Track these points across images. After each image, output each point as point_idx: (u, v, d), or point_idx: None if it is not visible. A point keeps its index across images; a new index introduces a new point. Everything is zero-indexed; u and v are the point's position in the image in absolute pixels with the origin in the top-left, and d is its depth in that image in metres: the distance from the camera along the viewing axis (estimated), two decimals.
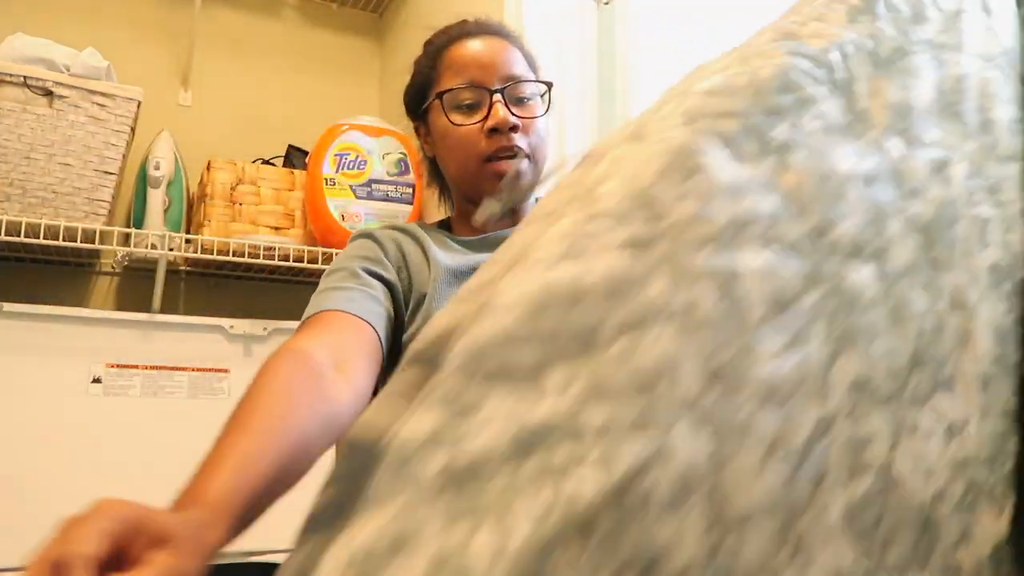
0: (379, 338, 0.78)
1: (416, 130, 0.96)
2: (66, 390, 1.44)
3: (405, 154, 1.75)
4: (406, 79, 0.98)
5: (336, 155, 1.69)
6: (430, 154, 0.95)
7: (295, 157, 1.85)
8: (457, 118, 0.86)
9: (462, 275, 0.85)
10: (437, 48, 0.91)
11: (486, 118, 0.85)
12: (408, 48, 2.03)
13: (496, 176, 0.85)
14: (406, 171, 1.75)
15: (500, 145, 0.84)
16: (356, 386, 0.71)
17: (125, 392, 1.49)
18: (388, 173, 1.72)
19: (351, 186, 1.68)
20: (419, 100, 0.93)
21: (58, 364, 1.45)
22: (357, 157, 1.70)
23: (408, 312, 0.85)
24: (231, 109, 1.97)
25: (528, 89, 0.88)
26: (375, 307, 0.80)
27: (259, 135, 1.96)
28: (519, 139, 0.85)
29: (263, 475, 0.57)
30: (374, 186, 1.70)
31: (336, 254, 1.64)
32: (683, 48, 1.43)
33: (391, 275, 0.85)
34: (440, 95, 0.87)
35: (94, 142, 1.47)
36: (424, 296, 0.84)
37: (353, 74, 2.14)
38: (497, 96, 0.85)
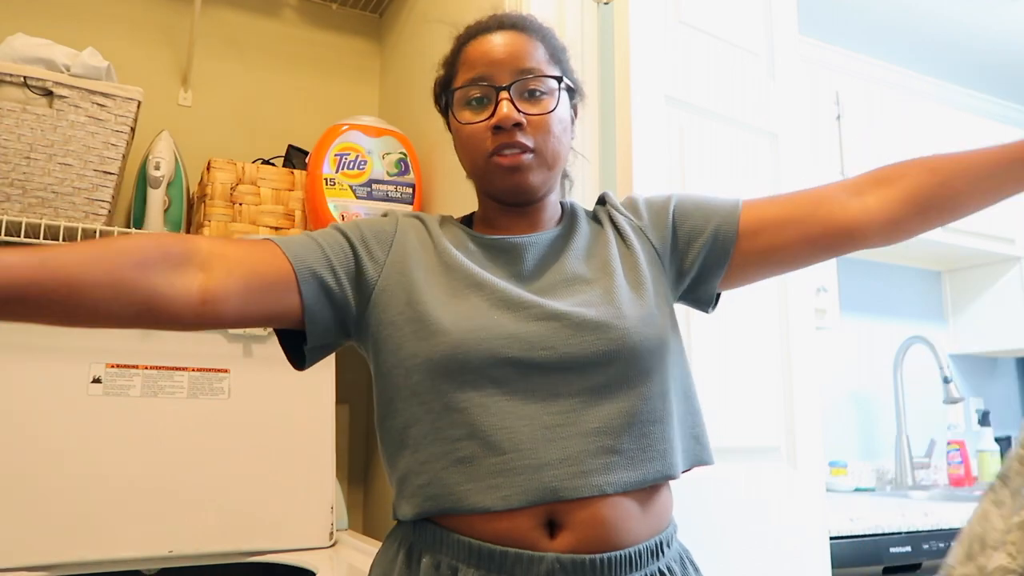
0: (295, 280, 0.80)
1: (448, 126, 0.96)
2: (66, 390, 1.44)
3: (405, 154, 1.75)
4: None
5: (336, 155, 1.69)
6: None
7: (295, 157, 1.86)
8: (466, 115, 0.86)
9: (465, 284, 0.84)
10: (459, 44, 0.91)
11: (492, 115, 0.84)
12: (408, 48, 2.03)
13: (499, 169, 0.85)
14: (406, 171, 1.75)
15: (502, 142, 0.84)
16: (209, 286, 0.75)
17: (125, 392, 1.49)
18: (388, 173, 1.72)
19: (351, 186, 1.68)
20: (441, 96, 0.93)
21: (58, 364, 1.45)
22: (357, 157, 1.70)
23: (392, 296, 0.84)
24: (231, 109, 1.97)
25: (541, 84, 0.86)
26: (315, 261, 0.82)
27: (259, 135, 1.96)
28: (523, 136, 0.84)
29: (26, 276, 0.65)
30: (374, 186, 1.70)
31: None
32: (682, 47, 1.43)
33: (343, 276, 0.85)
34: (452, 92, 0.88)
35: (94, 142, 1.47)
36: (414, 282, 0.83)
37: (353, 74, 2.14)
38: (504, 93, 0.84)
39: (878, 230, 0.88)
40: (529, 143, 0.84)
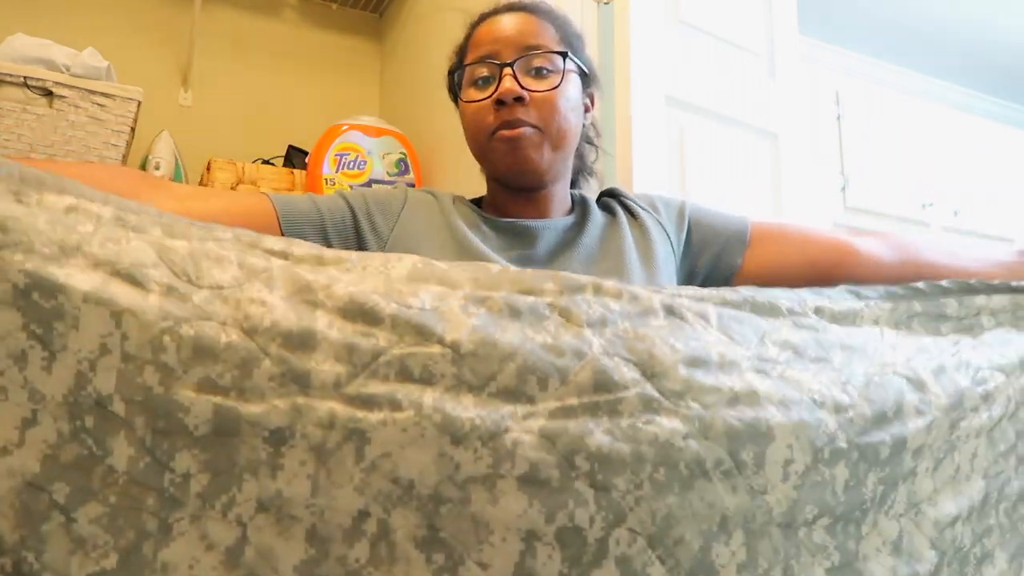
0: (278, 224, 0.78)
1: (462, 117, 0.93)
2: None
3: (405, 154, 1.75)
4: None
5: (336, 155, 1.69)
6: None
7: (295, 157, 1.86)
8: (471, 93, 0.84)
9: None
10: (470, 29, 0.90)
11: (495, 92, 0.82)
12: (408, 48, 2.03)
13: (501, 145, 0.82)
14: (406, 171, 1.75)
15: (504, 119, 0.82)
16: (186, 204, 0.74)
17: None
18: (388, 173, 1.72)
19: (351, 186, 1.68)
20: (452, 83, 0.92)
21: None
22: (357, 157, 1.70)
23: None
24: (231, 109, 1.97)
25: (548, 62, 0.84)
26: (305, 219, 0.80)
27: (259, 135, 1.96)
28: (526, 113, 0.82)
29: None
30: (374, 186, 1.70)
31: None
32: (682, 47, 1.44)
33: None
34: (459, 72, 0.86)
35: (94, 142, 1.47)
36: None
37: (353, 74, 2.14)
38: (507, 69, 0.82)
39: (873, 258, 0.91)
40: (532, 120, 0.82)
